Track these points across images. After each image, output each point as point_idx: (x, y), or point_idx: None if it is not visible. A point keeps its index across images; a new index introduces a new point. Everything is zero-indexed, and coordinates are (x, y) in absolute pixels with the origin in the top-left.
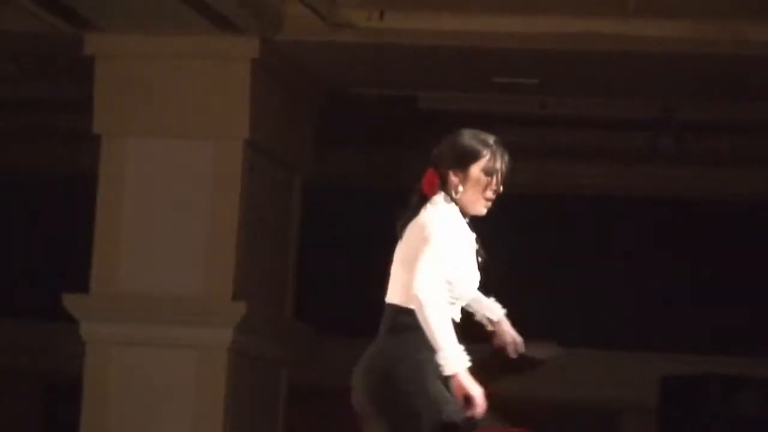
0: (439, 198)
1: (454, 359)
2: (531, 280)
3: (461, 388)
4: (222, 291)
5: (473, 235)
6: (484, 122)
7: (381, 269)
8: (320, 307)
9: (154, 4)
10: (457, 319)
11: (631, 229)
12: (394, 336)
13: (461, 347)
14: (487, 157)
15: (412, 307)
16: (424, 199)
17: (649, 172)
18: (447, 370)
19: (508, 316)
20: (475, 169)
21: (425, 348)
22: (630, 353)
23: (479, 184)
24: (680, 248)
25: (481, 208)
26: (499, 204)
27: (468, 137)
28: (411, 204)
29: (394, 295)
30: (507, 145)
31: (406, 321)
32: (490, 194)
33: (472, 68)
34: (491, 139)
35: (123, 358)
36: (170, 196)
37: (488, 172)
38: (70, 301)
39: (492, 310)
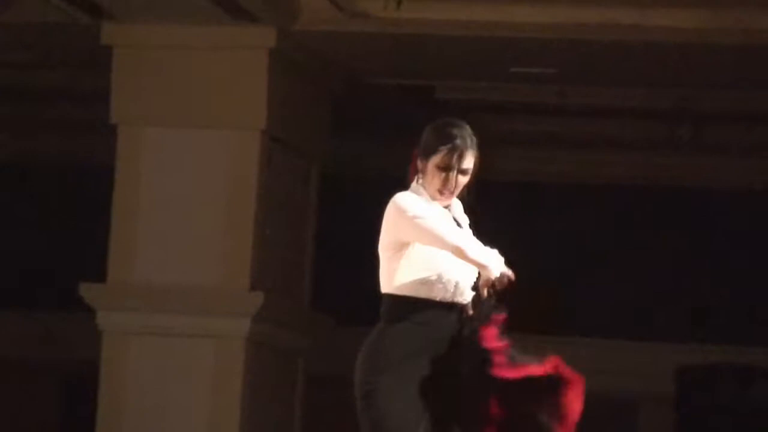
0: (413, 184)
1: (496, 267)
2: (548, 269)
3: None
4: (239, 281)
5: (448, 213)
6: (501, 112)
7: None
8: (338, 296)
9: None
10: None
11: (649, 218)
12: (380, 324)
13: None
14: (443, 153)
15: (384, 292)
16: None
17: (667, 162)
18: (493, 276)
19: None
20: (431, 163)
21: (393, 343)
22: (647, 343)
23: (435, 178)
24: (698, 238)
25: (439, 199)
26: (512, 192)
27: (434, 129)
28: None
29: (381, 282)
30: (524, 134)
31: (382, 309)
32: (442, 188)
33: (489, 58)
34: (457, 135)
35: (140, 347)
36: (187, 186)
37: (441, 168)
38: (87, 291)
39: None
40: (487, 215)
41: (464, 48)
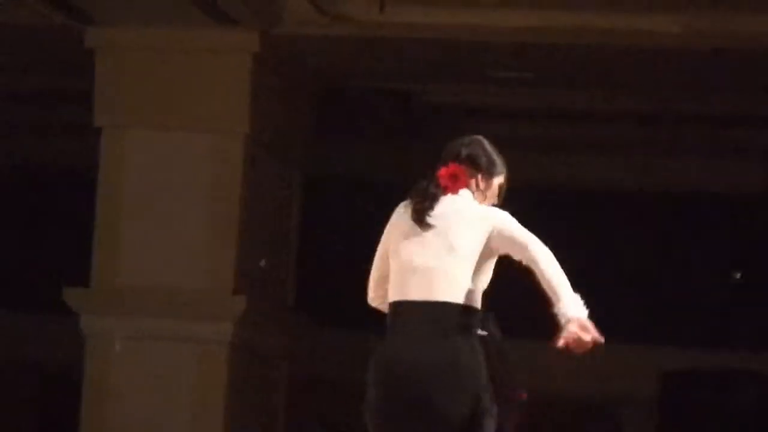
0: (468, 194)
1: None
2: (530, 275)
3: (585, 329)
4: (223, 285)
5: None
6: (480, 116)
7: None
8: (320, 300)
9: None
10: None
11: (628, 221)
12: (465, 338)
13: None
14: (504, 174)
15: (475, 306)
16: (443, 191)
17: (645, 165)
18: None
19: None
20: (497, 181)
21: (488, 352)
22: (631, 347)
23: (494, 195)
24: (678, 241)
25: None
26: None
27: (494, 150)
28: (427, 192)
29: (449, 291)
30: (502, 138)
31: (472, 322)
32: (495, 202)
33: (469, 62)
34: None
35: (123, 351)
36: (170, 190)
37: (502, 186)
38: (71, 295)
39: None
40: None
41: (445, 52)
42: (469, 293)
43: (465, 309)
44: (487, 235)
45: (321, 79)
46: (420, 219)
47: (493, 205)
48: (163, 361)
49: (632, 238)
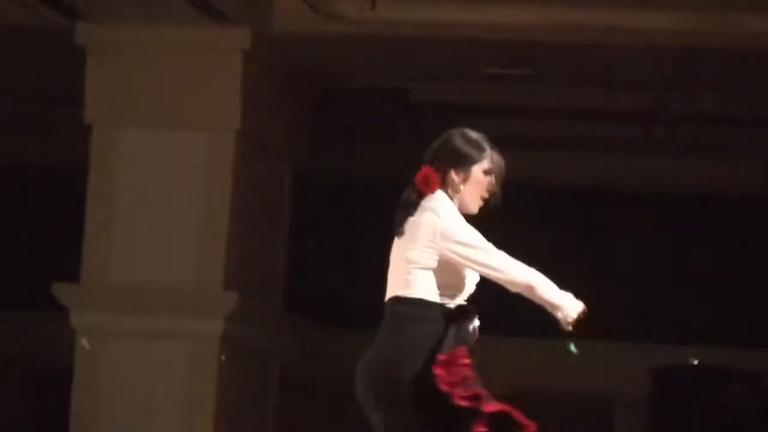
0: (440, 195)
1: (572, 307)
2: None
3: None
4: (213, 281)
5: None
6: (476, 114)
7: (372, 260)
8: (311, 297)
9: None
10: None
11: (622, 219)
12: (395, 327)
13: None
14: (488, 158)
15: (411, 296)
16: (421, 196)
17: (642, 163)
18: (570, 317)
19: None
20: (477, 170)
21: (424, 341)
22: (623, 344)
23: (480, 184)
24: (672, 239)
25: (475, 207)
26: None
27: (468, 138)
28: (408, 201)
29: (394, 289)
30: (499, 136)
31: (405, 311)
32: (485, 192)
33: (463, 59)
34: (486, 140)
35: (114, 347)
36: (162, 187)
37: (488, 172)
38: (60, 290)
39: None
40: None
41: (439, 49)
42: (415, 286)
43: (400, 300)
44: (429, 237)
45: (313, 77)
46: (396, 228)
47: (489, 194)
48: (154, 356)
49: (625, 236)
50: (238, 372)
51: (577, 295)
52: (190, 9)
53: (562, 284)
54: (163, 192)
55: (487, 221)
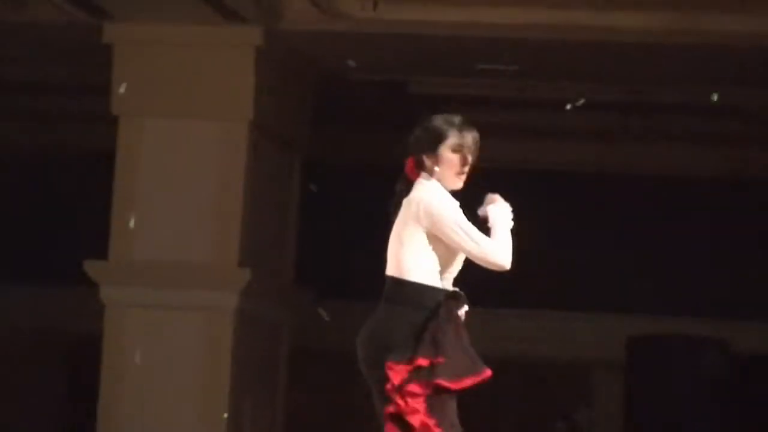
0: (422, 179)
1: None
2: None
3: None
4: (229, 258)
5: (457, 203)
6: (468, 104)
7: (373, 238)
8: (318, 273)
9: None
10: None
11: (602, 199)
12: (390, 306)
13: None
14: (453, 136)
15: (404, 278)
16: (409, 184)
17: (620, 149)
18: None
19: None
20: (445, 150)
21: (415, 319)
22: (602, 315)
23: (450, 162)
24: (647, 217)
25: (457, 183)
26: (480, 178)
27: (434, 122)
28: (400, 189)
29: (391, 268)
30: (489, 125)
31: (399, 292)
32: (460, 169)
33: (457, 55)
34: (456, 119)
35: (139, 319)
36: (181, 172)
37: (455, 149)
38: (91, 267)
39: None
40: (455, 196)
41: (434, 46)
42: (408, 269)
43: (396, 281)
44: (414, 216)
45: (319, 72)
46: (391, 214)
47: (465, 169)
48: (175, 327)
49: (605, 215)
50: (251, 342)
51: (561, 268)
52: (207, 9)
53: (549, 259)
54: (183, 176)
55: (473, 201)
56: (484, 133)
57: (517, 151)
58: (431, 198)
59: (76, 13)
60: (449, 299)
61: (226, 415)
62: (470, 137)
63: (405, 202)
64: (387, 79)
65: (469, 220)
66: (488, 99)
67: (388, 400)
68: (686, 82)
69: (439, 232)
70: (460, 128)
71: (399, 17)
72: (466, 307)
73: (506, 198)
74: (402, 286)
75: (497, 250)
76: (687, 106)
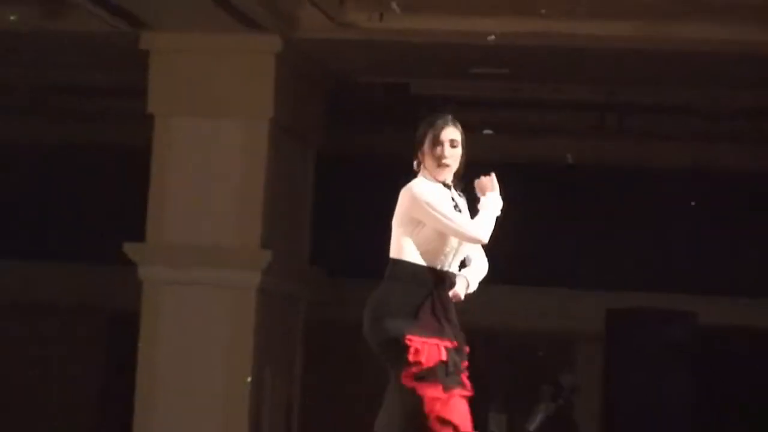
0: (422, 171)
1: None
2: (502, 232)
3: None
4: (252, 241)
5: (448, 193)
6: (463, 104)
7: (380, 223)
8: (331, 255)
9: (197, 8)
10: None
11: (582, 190)
12: (386, 283)
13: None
14: (431, 132)
15: (399, 257)
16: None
17: (597, 145)
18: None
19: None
20: (427, 144)
21: (404, 295)
22: (584, 291)
23: (431, 154)
24: (624, 206)
25: (441, 173)
26: (476, 172)
27: (422, 122)
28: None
29: (391, 250)
30: (482, 124)
31: (395, 270)
32: (439, 160)
33: (453, 60)
34: (437, 117)
35: (172, 295)
36: (209, 164)
37: (434, 143)
38: (130, 248)
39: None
40: (464, 191)
41: (433, 53)
42: (402, 250)
43: (393, 261)
44: (406, 204)
45: (332, 75)
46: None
47: (443, 159)
48: (204, 302)
49: (585, 204)
50: (272, 316)
51: (549, 250)
52: (232, 20)
53: (534, 243)
54: (211, 168)
55: (467, 193)
56: (472, 131)
57: (504, 146)
58: (412, 186)
59: (118, 24)
60: (437, 279)
61: (249, 379)
62: (439, 122)
63: (401, 192)
64: (391, 81)
65: (471, 208)
66: (479, 99)
67: (387, 363)
68: (656, 84)
69: (418, 215)
70: (440, 124)
71: (402, 27)
72: (461, 288)
73: (499, 187)
74: (397, 264)
75: (471, 226)
76: (656, 105)
